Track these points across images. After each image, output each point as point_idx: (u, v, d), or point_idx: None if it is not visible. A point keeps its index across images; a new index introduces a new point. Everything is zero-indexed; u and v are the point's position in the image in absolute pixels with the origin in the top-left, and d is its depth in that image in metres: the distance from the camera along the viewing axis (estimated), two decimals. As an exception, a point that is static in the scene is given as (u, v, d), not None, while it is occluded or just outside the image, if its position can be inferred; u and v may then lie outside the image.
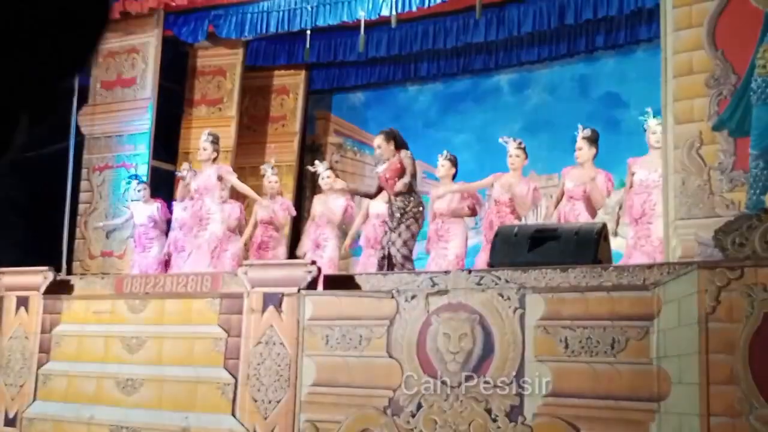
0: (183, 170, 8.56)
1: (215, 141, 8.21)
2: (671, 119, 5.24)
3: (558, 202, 7.16)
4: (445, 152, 7.81)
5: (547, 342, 4.37)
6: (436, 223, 7.39)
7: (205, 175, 8.04)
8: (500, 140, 7.52)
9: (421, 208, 6.38)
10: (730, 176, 4.93)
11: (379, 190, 6.57)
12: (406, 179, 6.30)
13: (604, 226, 5.10)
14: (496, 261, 5.00)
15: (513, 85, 10.29)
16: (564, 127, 7.28)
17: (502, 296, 4.55)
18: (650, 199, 6.42)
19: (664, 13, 5.42)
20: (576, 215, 6.85)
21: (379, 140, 6.45)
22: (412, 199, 6.32)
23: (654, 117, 6.67)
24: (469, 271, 4.92)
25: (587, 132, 7.05)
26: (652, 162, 6.57)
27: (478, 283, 4.73)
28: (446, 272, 5.10)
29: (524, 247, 4.90)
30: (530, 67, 10.16)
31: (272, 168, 8.55)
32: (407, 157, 6.28)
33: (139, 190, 8.71)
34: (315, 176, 8.31)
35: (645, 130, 6.74)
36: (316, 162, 8.43)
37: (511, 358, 4.46)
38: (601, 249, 4.85)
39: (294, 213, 8.74)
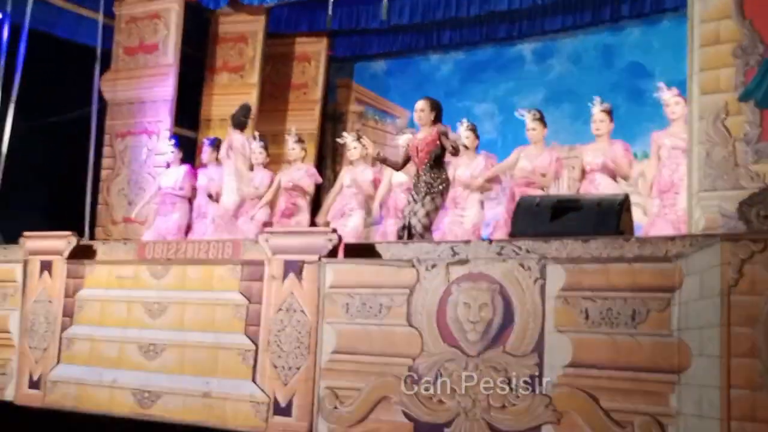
0: (205, 141, 8.60)
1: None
2: (697, 89, 5.17)
3: (581, 177, 7.14)
4: (465, 122, 7.78)
5: (567, 313, 4.37)
6: (454, 190, 7.37)
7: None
8: (517, 114, 7.49)
9: (447, 184, 6.35)
10: (756, 148, 4.86)
11: (406, 160, 6.51)
12: (453, 146, 6.20)
13: (627, 197, 5.06)
14: (517, 231, 4.99)
15: (536, 54, 10.21)
16: (587, 97, 7.21)
17: (523, 266, 4.54)
18: (679, 170, 6.38)
19: (691, -19, 5.33)
20: (597, 187, 6.82)
21: (422, 104, 6.34)
22: (440, 174, 6.26)
23: (668, 88, 6.62)
24: (490, 241, 4.92)
25: (606, 105, 7.00)
26: (676, 133, 6.52)
27: (499, 253, 4.72)
28: (467, 242, 5.10)
29: (546, 218, 4.89)
30: (554, 36, 10.07)
31: (293, 135, 8.54)
32: (445, 133, 6.21)
33: (172, 152, 8.74)
34: (338, 145, 8.28)
35: (663, 105, 6.69)
36: (344, 133, 8.41)
37: (531, 329, 4.46)
38: (623, 220, 4.83)
39: (319, 180, 8.72)
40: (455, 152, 6.19)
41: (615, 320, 4.23)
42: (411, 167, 6.53)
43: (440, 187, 6.23)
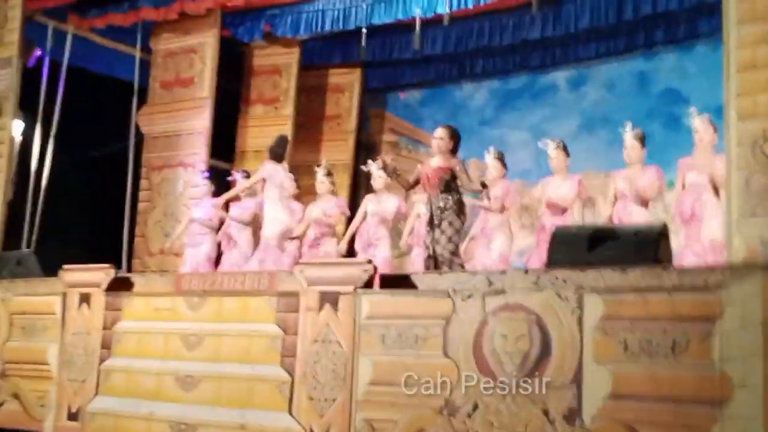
0: (236, 173, 8.67)
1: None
2: (734, 115, 5.10)
3: (613, 204, 7.10)
4: (492, 150, 7.75)
5: (606, 344, 4.31)
6: (483, 220, 7.36)
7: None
8: (540, 144, 7.49)
9: (460, 205, 6.33)
10: (796, 174, 4.79)
11: (415, 183, 6.54)
12: (468, 182, 6.24)
13: (665, 226, 4.99)
14: (554, 261, 4.93)
15: (570, 82, 10.20)
16: (622, 123, 7.17)
17: (560, 297, 4.50)
18: (701, 199, 6.33)
19: (727, 6, 5.28)
20: (629, 215, 6.78)
21: (442, 132, 6.37)
22: (450, 196, 6.27)
23: (699, 114, 6.57)
24: (527, 271, 4.88)
25: (637, 131, 6.97)
26: (702, 162, 6.47)
27: (536, 283, 4.68)
28: (503, 272, 5.06)
29: (583, 248, 4.83)
30: (587, 63, 10.05)
31: (323, 168, 8.57)
32: (459, 164, 6.24)
33: (205, 185, 8.83)
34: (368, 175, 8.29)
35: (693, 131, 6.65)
36: (369, 161, 8.44)
37: (569, 360, 4.41)
38: (662, 249, 4.76)
39: (348, 213, 8.72)
40: (465, 187, 6.23)
41: (655, 351, 4.16)
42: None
43: (453, 208, 6.23)
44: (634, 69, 9.77)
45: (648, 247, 4.69)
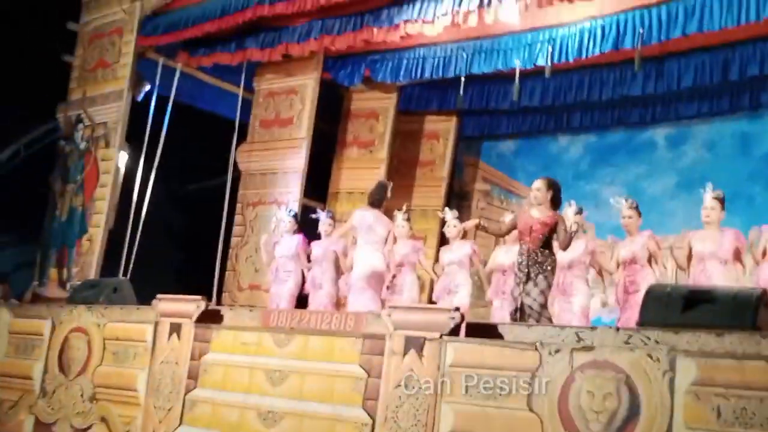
0: (320, 212, 8.79)
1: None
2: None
3: (688, 264, 6.95)
4: (573, 205, 7.64)
5: (698, 409, 4.18)
6: (558, 276, 7.27)
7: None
8: (612, 201, 7.39)
9: (555, 265, 6.30)
10: None
11: (510, 230, 6.50)
12: (567, 239, 6.22)
13: (765, 291, 4.84)
14: (646, 320, 4.83)
15: (669, 140, 10.03)
16: (722, 184, 7.01)
17: (651, 357, 4.39)
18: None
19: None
20: (708, 276, 6.63)
21: (539, 183, 6.38)
22: (551, 254, 6.24)
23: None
24: (618, 329, 4.78)
25: (718, 192, 6.84)
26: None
27: (627, 342, 4.58)
28: (593, 328, 4.98)
29: (677, 308, 4.71)
30: (688, 121, 9.87)
31: (404, 213, 8.61)
32: (564, 220, 6.21)
33: (289, 221, 8.95)
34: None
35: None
36: (445, 209, 8.44)
37: (658, 423, 4.29)
38: (761, 315, 4.61)
39: (423, 251, 8.71)
40: (567, 242, 6.17)
41: (750, 421, 4.01)
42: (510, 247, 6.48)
43: (550, 267, 6.19)
44: (736, 130, 9.55)
45: (746, 311, 4.55)
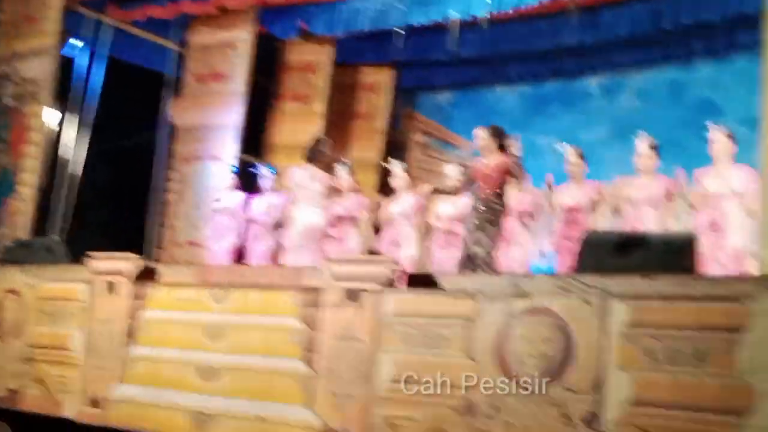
0: (260, 167, 8.71)
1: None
2: (769, 127, 5.05)
3: (625, 211, 7.07)
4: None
5: (630, 350, 4.27)
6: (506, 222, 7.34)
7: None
8: (557, 146, 7.48)
9: (506, 211, 6.33)
10: (831, 185, 4.73)
11: (466, 185, 6.49)
12: (520, 176, 6.19)
13: (694, 235, 4.95)
14: (582, 266, 4.91)
15: (603, 89, 10.14)
16: (655, 133, 7.12)
17: (586, 302, 4.47)
18: (721, 209, 6.31)
19: (767, 18, 5.24)
20: (642, 222, 6.75)
21: (482, 132, 6.37)
22: (503, 202, 6.25)
23: (717, 126, 6.54)
24: (552, 275, 4.85)
25: (651, 140, 6.94)
26: (720, 172, 6.44)
27: (561, 288, 4.65)
28: (528, 275, 5.04)
29: (610, 253, 4.80)
30: (622, 70, 9.97)
31: (345, 165, 8.58)
32: (516, 164, 6.20)
33: (230, 178, 8.87)
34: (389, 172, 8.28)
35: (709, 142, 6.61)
36: (392, 160, 8.43)
37: (592, 365, 4.37)
38: (690, 258, 4.72)
39: (367, 207, 8.72)
40: (519, 177, 6.17)
41: (679, 359, 4.12)
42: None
43: (503, 212, 6.22)
44: (668, 78, 9.70)
45: (677, 255, 4.65)
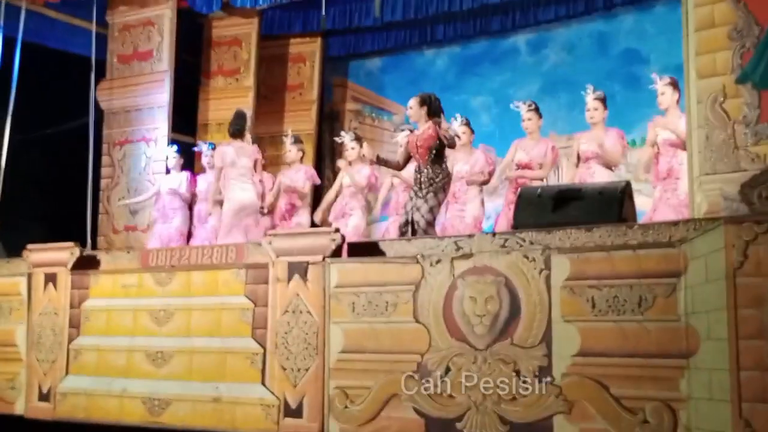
0: (201, 144, 8.59)
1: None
2: (693, 74, 5.17)
3: (576, 165, 7.16)
4: (459, 117, 7.77)
5: (573, 302, 4.37)
6: (454, 185, 7.38)
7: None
8: (512, 106, 7.53)
9: (449, 179, 6.34)
10: (755, 129, 4.87)
11: (407, 158, 6.50)
12: (450, 141, 6.18)
13: (628, 184, 5.06)
14: (520, 223, 4.98)
15: (530, 46, 10.21)
16: (583, 86, 7.21)
17: (527, 258, 4.55)
18: (676, 156, 6.42)
19: (682, -34, 5.33)
20: (591, 175, 6.84)
21: (411, 102, 6.37)
22: (442, 169, 6.26)
23: (660, 78, 6.63)
24: (494, 234, 4.91)
25: (599, 93, 7.02)
26: (670, 121, 6.54)
27: (503, 246, 4.72)
28: (470, 236, 5.09)
29: (548, 208, 4.88)
30: (547, 26, 10.05)
31: (290, 137, 8.56)
32: (442, 127, 6.19)
33: (173, 157, 8.75)
34: (336, 144, 8.28)
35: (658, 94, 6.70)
36: (342, 133, 8.41)
37: (538, 320, 4.47)
38: (626, 207, 4.82)
39: (318, 181, 8.77)
40: (451, 144, 6.17)
41: (622, 308, 4.23)
42: (411, 164, 6.53)
43: (442, 182, 6.22)
44: (593, 31, 9.80)
45: (612, 205, 4.76)
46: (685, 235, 4.17)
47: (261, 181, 8.04)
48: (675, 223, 4.39)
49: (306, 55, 11.16)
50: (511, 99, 7.93)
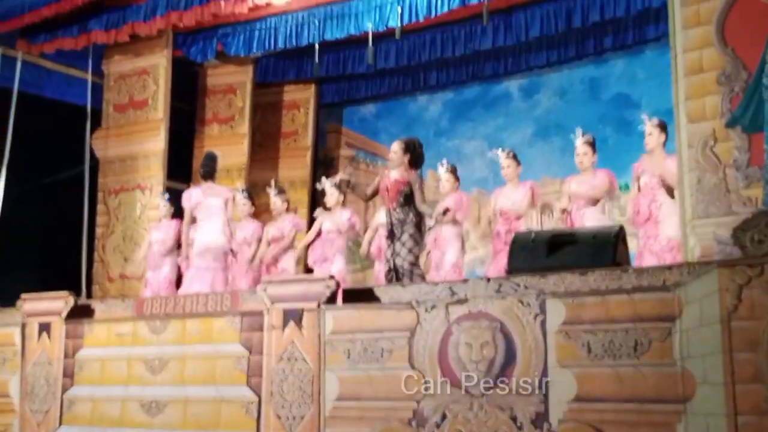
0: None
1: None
2: (684, 118, 5.22)
3: (564, 211, 7.20)
4: (445, 163, 7.80)
5: (569, 347, 4.36)
6: (435, 231, 7.42)
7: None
8: (490, 154, 7.59)
9: (420, 218, 6.40)
10: (746, 173, 4.90)
11: (374, 194, 6.60)
12: (421, 195, 6.30)
13: (621, 228, 5.08)
14: (514, 267, 4.99)
15: (523, 91, 10.31)
16: (574, 130, 7.27)
17: (522, 303, 4.54)
18: (656, 200, 6.48)
19: (672, 11, 5.41)
20: (582, 218, 6.87)
21: (396, 146, 6.44)
22: (410, 209, 6.33)
23: (649, 119, 6.70)
24: (488, 279, 4.92)
25: (588, 137, 7.08)
26: (654, 164, 6.60)
27: (498, 291, 4.72)
28: (465, 281, 5.10)
29: (542, 253, 4.89)
30: (539, 71, 10.17)
31: (274, 188, 8.58)
32: (417, 178, 6.29)
33: (164, 206, 8.77)
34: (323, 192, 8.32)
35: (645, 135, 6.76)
36: (323, 179, 8.47)
37: (534, 365, 4.45)
38: (620, 251, 4.84)
39: (302, 228, 8.71)
40: (420, 203, 6.30)
41: (617, 352, 4.22)
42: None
43: (414, 220, 6.29)
44: (585, 75, 9.91)
45: (606, 249, 4.77)
46: (680, 279, 4.17)
47: (229, 222, 7.92)
48: (669, 267, 4.40)
49: (300, 102, 11.27)
50: (505, 143, 8.01)
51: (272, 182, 8.78)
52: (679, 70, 5.29)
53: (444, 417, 4.66)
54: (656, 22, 8.93)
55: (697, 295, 3.88)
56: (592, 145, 7.07)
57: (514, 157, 7.46)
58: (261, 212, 8.99)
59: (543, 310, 4.47)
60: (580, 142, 7.06)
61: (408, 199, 6.31)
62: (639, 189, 6.73)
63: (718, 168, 4.98)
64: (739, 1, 5.05)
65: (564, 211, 7.11)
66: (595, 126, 8.24)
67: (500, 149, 7.57)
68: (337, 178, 7.28)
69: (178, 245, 8.61)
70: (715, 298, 3.60)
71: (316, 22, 9.40)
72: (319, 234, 8.16)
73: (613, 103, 9.52)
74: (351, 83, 11.25)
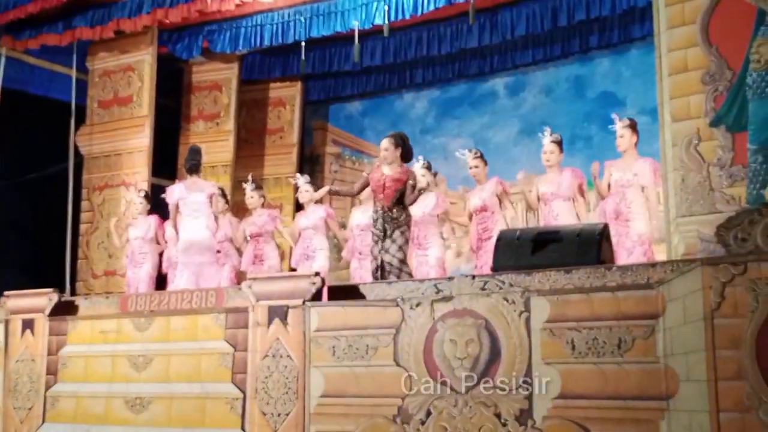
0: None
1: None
2: (668, 117, 5.25)
3: (537, 207, 7.25)
4: (421, 159, 7.78)
5: (553, 344, 4.37)
6: (414, 230, 7.41)
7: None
8: (457, 154, 7.61)
9: (410, 218, 6.44)
10: (730, 171, 4.94)
11: (363, 188, 6.59)
12: (413, 196, 6.32)
13: (606, 226, 5.10)
14: (499, 265, 5.00)
15: (509, 89, 10.32)
16: (561, 128, 7.32)
17: (507, 300, 4.55)
18: (626, 198, 6.55)
19: (657, 11, 5.44)
20: (555, 217, 6.92)
21: (386, 143, 6.44)
22: (404, 209, 6.36)
23: (620, 119, 6.76)
24: (473, 277, 4.93)
25: (555, 136, 7.13)
26: (625, 163, 6.67)
27: (483, 288, 4.73)
28: (450, 278, 5.11)
29: (527, 251, 4.90)
30: (525, 69, 10.18)
31: (250, 183, 8.53)
32: (413, 176, 6.31)
33: (140, 202, 8.73)
34: (315, 188, 8.30)
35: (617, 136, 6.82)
36: (297, 175, 8.46)
37: (519, 362, 4.46)
38: (604, 249, 4.86)
39: (280, 224, 8.66)
40: (412, 198, 6.30)
41: (601, 349, 4.24)
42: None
43: (405, 220, 6.32)
44: (570, 74, 9.93)
45: (590, 247, 4.79)
46: (663, 277, 4.20)
47: (216, 217, 7.90)
48: (653, 265, 4.42)
49: (286, 99, 11.26)
50: (491, 141, 8.02)
51: (249, 177, 8.74)
52: (663, 69, 5.32)
53: (429, 414, 4.67)
54: (642, 21, 8.96)
55: (680, 293, 3.91)
56: (560, 144, 7.14)
57: (481, 156, 7.50)
58: (245, 209, 8.95)
59: (528, 307, 4.49)
60: (547, 141, 7.12)
61: (401, 197, 6.31)
62: (609, 187, 6.79)
63: (702, 167, 5.01)
64: (724, 1, 5.08)
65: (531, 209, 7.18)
66: (580, 124, 8.28)
67: (467, 150, 7.59)
68: (324, 191, 7.28)
69: (158, 241, 8.61)
70: (699, 296, 3.63)
71: (303, 20, 9.39)
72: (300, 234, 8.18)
73: (599, 101, 9.54)
74: (337, 80, 11.24)
